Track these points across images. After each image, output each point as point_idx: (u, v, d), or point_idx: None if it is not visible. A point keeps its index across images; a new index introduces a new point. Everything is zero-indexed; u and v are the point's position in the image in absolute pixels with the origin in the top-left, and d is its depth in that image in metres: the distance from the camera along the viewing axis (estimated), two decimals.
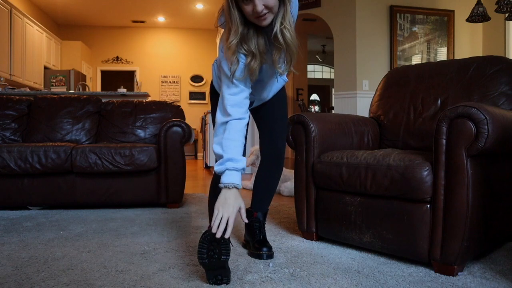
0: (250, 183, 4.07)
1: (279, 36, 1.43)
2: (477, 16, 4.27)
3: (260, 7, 1.36)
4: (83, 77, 7.42)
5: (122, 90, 5.35)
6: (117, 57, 9.65)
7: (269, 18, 1.41)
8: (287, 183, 3.66)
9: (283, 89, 1.88)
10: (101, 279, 1.49)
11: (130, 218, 2.60)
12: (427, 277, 1.50)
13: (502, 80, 1.91)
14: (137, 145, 2.93)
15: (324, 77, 13.41)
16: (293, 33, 1.45)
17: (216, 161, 1.51)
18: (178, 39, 9.75)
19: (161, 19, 9.03)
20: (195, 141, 9.60)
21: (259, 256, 1.72)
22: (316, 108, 13.00)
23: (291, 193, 3.55)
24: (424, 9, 5.02)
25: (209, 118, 6.11)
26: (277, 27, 1.42)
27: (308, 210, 2.02)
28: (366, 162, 1.74)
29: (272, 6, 1.38)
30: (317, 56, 12.46)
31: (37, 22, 7.27)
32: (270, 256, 1.72)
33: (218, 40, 8.06)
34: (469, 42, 5.27)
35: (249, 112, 1.59)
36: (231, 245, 1.41)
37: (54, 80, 6.92)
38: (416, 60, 5.03)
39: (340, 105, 5.03)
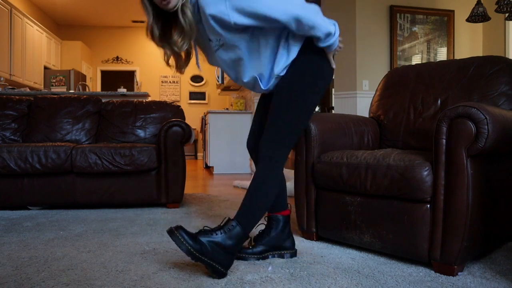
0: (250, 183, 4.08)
1: (179, 14, 1.46)
2: (477, 16, 4.26)
3: None
4: (83, 77, 7.42)
5: (122, 90, 5.35)
6: (117, 57, 9.65)
7: (172, 2, 1.44)
8: (287, 183, 3.66)
9: (292, 86, 1.58)
10: (101, 279, 1.49)
11: (130, 218, 2.60)
12: (427, 277, 1.50)
13: (502, 80, 1.91)
14: (137, 145, 2.93)
15: None
16: (190, 14, 1.47)
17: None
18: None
19: None
20: (195, 141, 9.60)
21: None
22: (316, 108, 13.00)
23: (291, 193, 3.54)
24: (424, 9, 5.02)
25: (209, 118, 6.11)
26: (178, 5, 1.45)
27: (308, 210, 2.02)
28: (366, 162, 1.74)
29: None
30: None
31: (37, 22, 7.27)
32: None
33: None
34: (469, 42, 5.27)
35: None
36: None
37: (54, 80, 6.92)
38: (416, 60, 5.03)
39: (340, 105, 5.03)
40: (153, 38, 1.56)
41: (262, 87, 1.65)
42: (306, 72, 1.59)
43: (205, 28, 1.51)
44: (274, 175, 1.60)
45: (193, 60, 1.71)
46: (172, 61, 1.62)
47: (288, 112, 1.59)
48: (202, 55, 1.73)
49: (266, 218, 1.82)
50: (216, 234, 1.48)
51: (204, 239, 1.45)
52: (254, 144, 1.83)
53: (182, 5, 1.46)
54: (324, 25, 1.47)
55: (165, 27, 1.56)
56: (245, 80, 1.65)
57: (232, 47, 1.54)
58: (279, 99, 1.60)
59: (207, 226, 1.55)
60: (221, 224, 1.53)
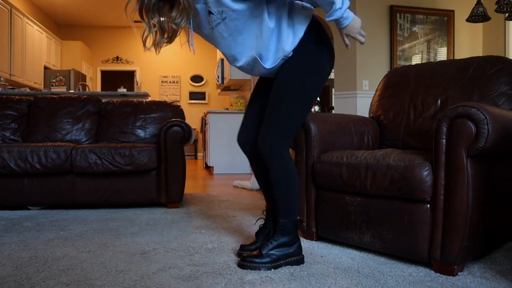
0: (250, 184, 4.07)
1: None
2: (477, 16, 4.26)
3: None
4: (83, 77, 7.42)
5: (122, 90, 5.35)
6: (117, 57, 9.65)
7: None
8: None
9: (292, 66, 1.58)
10: (101, 279, 1.49)
11: (130, 218, 2.60)
12: (427, 277, 1.50)
13: (502, 80, 1.91)
14: (137, 145, 2.93)
15: None
16: None
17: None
18: (178, 39, 9.74)
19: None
20: (195, 141, 9.60)
21: None
22: (316, 108, 13.00)
23: None
24: (424, 9, 5.02)
25: (209, 118, 6.11)
26: None
27: (308, 210, 2.02)
28: (366, 162, 1.74)
29: None
30: None
31: (37, 22, 7.27)
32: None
33: None
34: (469, 42, 5.27)
35: None
36: None
37: (54, 80, 6.92)
38: (416, 60, 5.03)
39: (340, 105, 5.03)
40: (145, 7, 1.49)
41: (266, 66, 1.59)
42: (308, 60, 1.58)
43: (208, 1, 1.46)
44: (287, 164, 1.62)
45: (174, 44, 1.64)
46: (149, 39, 1.57)
47: (290, 103, 1.59)
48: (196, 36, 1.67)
49: (264, 212, 1.83)
50: (275, 240, 1.62)
51: (267, 251, 1.60)
52: (248, 137, 1.79)
53: None
54: None
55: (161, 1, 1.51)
56: (243, 60, 1.60)
57: (234, 20, 1.49)
58: (279, 91, 1.60)
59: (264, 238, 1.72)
60: (274, 230, 1.70)
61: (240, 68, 1.66)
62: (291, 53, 1.57)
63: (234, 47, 1.58)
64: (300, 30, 1.56)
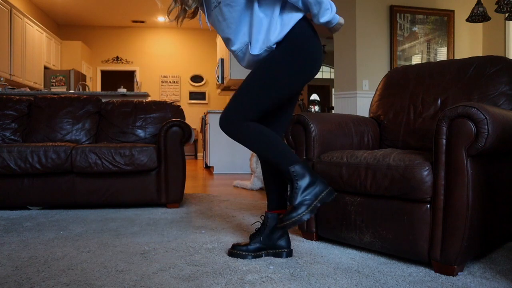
0: (250, 184, 4.07)
1: None
2: (477, 16, 4.27)
3: None
4: (83, 77, 7.42)
5: (122, 90, 5.35)
6: (117, 57, 9.65)
7: None
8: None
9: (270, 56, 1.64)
10: (101, 279, 1.49)
11: (130, 218, 2.60)
12: (427, 277, 1.50)
13: (502, 80, 1.91)
14: (137, 145, 2.93)
15: (324, 77, 13.41)
16: None
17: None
18: (178, 39, 9.76)
19: (161, 19, 9.03)
20: (195, 141, 9.60)
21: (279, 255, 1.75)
22: (316, 108, 12.99)
23: None
24: (424, 9, 5.02)
25: (209, 118, 6.11)
26: None
27: None
28: (366, 162, 1.74)
29: None
30: None
31: (37, 22, 7.28)
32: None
33: (218, 40, 8.06)
34: (469, 42, 5.27)
35: None
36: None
37: (54, 80, 6.92)
38: (416, 60, 5.03)
39: (340, 105, 5.03)
40: None
41: (253, 52, 1.64)
42: (289, 56, 1.62)
43: None
44: (246, 131, 1.62)
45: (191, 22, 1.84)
46: (173, 12, 1.76)
47: (251, 82, 1.64)
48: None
49: (263, 217, 1.82)
50: (297, 188, 1.56)
51: (298, 201, 1.55)
52: None
53: None
54: None
55: None
56: (237, 45, 1.68)
57: (227, 6, 1.61)
58: (251, 73, 1.67)
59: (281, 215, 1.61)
60: (288, 185, 1.61)
61: (234, 52, 1.73)
62: (275, 45, 1.62)
63: (228, 32, 1.67)
64: (287, 25, 1.61)
